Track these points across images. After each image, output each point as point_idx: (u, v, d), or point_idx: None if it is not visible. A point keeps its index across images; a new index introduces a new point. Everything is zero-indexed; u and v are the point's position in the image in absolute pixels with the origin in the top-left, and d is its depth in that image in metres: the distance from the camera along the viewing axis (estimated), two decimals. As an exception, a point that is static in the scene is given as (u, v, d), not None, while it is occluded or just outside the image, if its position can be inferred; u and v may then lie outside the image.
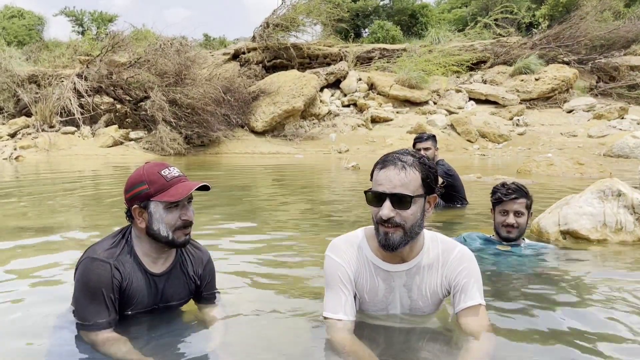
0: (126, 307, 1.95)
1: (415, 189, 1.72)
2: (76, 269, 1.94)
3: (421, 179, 1.73)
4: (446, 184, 5.05)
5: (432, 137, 5.11)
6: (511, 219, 3.10)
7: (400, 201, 1.70)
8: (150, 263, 1.98)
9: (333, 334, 1.82)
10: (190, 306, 2.17)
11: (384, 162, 1.77)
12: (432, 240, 1.91)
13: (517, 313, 2.22)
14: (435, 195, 1.80)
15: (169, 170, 1.91)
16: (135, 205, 1.91)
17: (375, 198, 1.74)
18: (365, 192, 1.78)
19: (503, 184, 3.20)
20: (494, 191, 3.20)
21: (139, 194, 1.89)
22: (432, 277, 1.89)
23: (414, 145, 5.05)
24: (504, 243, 3.18)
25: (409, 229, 1.74)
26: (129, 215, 1.95)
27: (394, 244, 1.74)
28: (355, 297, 1.92)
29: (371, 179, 1.81)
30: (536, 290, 2.57)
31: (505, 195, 3.11)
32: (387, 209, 1.71)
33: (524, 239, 3.30)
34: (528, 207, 3.14)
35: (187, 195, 1.87)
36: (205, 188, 1.92)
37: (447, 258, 1.88)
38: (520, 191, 3.11)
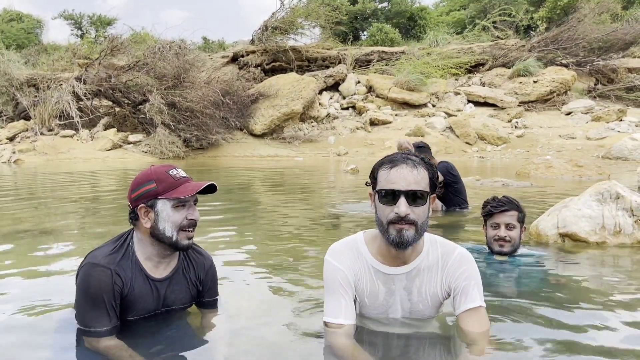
0: (128, 312, 1.94)
1: (426, 186, 1.77)
2: (77, 275, 1.93)
3: (429, 178, 1.78)
4: (447, 186, 5.05)
5: (427, 149, 5.15)
6: (502, 232, 3.00)
7: (417, 198, 1.74)
8: (152, 268, 1.97)
9: (333, 339, 1.82)
10: (191, 312, 2.16)
11: (392, 161, 1.78)
12: (431, 243, 1.91)
13: (515, 320, 2.21)
14: (434, 195, 1.84)
15: (176, 170, 1.94)
16: (141, 204, 1.90)
17: (389, 196, 1.75)
18: (378, 190, 1.78)
19: (494, 198, 3.10)
20: (485, 205, 3.10)
21: (147, 193, 1.89)
22: (432, 280, 1.89)
23: None
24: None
25: (421, 226, 1.77)
26: (133, 216, 1.94)
27: (408, 240, 1.75)
28: (355, 301, 1.92)
29: (372, 180, 1.81)
30: (534, 297, 2.56)
31: (495, 207, 3.01)
32: (404, 206, 1.72)
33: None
34: (520, 221, 3.03)
35: (197, 191, 1.88)
36: (212, 188, 1.93)
37: (447, 260, 1.88)
38: (511, 204, 3.01)
